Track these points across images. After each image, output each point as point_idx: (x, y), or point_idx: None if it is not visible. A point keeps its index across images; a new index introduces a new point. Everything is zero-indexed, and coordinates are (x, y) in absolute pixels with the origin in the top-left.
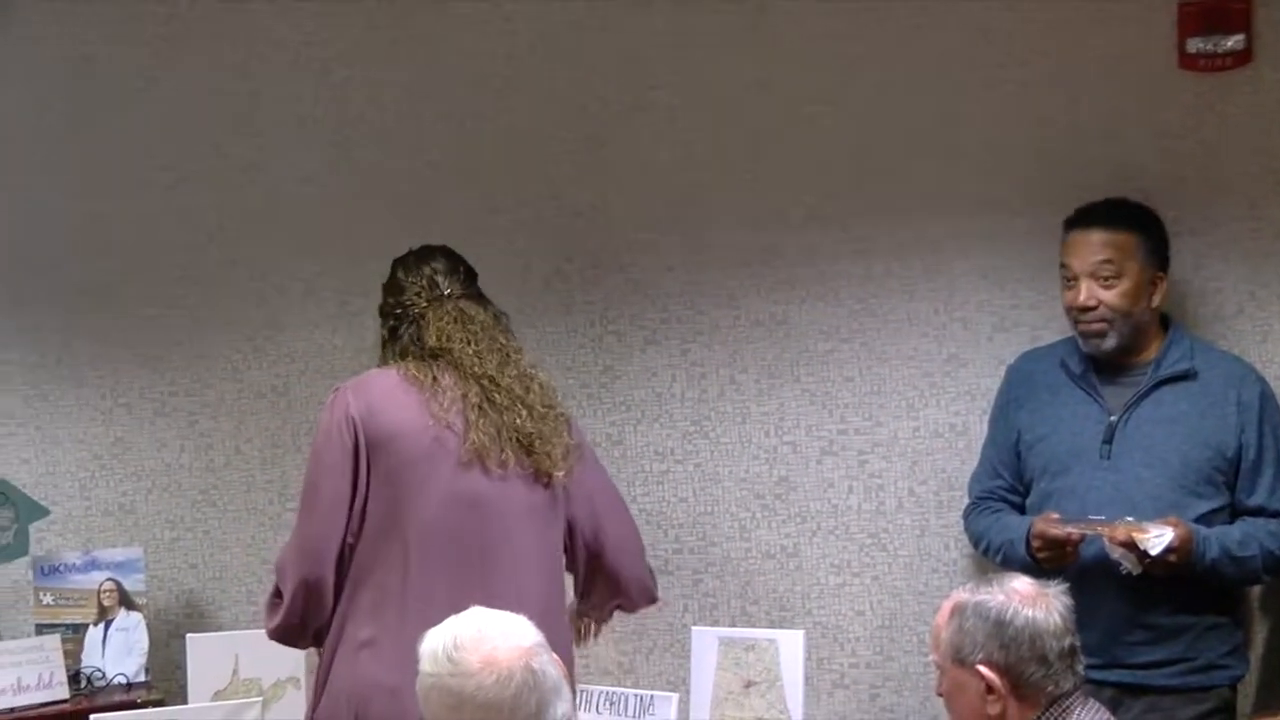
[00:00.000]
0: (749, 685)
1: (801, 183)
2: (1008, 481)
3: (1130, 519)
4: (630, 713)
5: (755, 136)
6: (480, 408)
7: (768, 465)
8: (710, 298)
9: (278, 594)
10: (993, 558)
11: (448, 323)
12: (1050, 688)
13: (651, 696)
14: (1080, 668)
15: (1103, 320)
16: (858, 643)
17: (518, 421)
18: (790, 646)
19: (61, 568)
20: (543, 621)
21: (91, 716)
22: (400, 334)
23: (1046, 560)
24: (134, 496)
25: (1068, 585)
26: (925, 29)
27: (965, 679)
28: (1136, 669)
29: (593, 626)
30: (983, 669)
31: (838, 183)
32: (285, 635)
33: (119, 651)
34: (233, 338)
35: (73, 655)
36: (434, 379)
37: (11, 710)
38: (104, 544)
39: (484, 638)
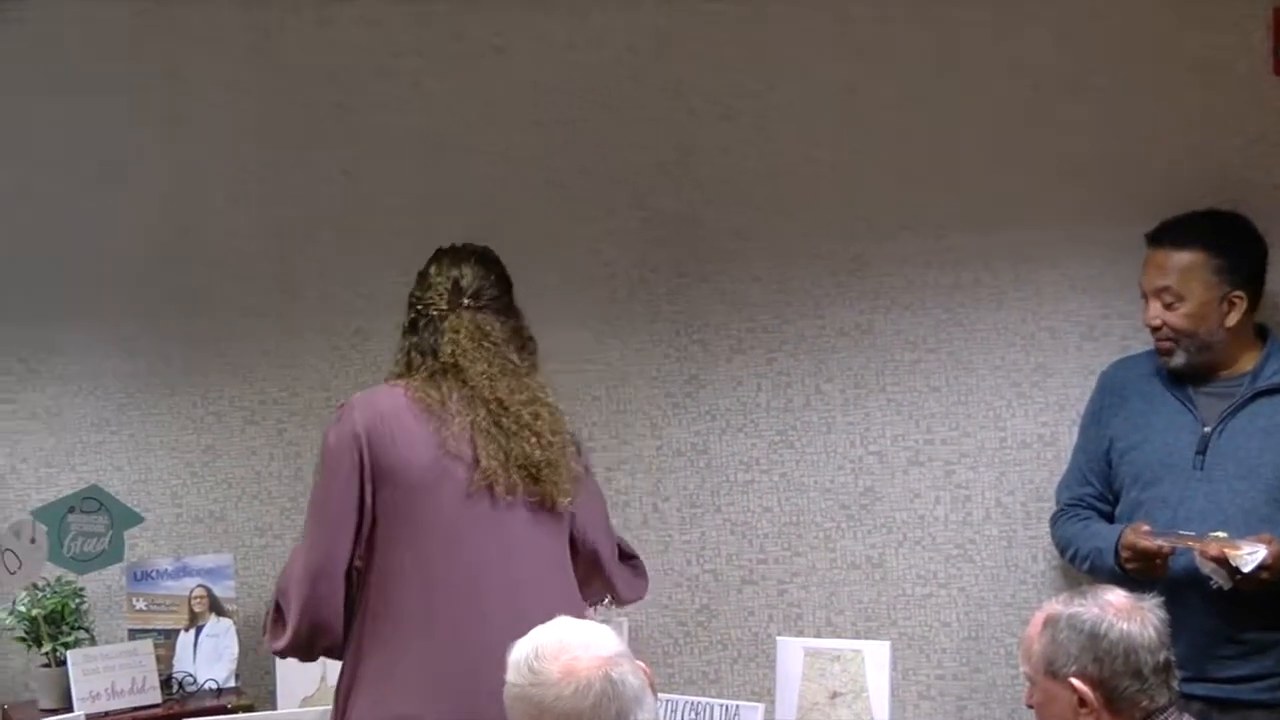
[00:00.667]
0: (835, 696)
1: (890, 192)
2: (1097, 489)
3: (1222, 534)
4: None
5: (843, 146)
6: (488, 433)
7: (853, 475)
8: (796, 307)
9: (279, 613)
10: (1079, 565)
11: (463, 336)
12: (1145, 702)
13: (737, 707)
14: (1175, 683)
15: (1168, 339)
16: (944, 654)
17: (525, 449)
18: (876, 657)
19: (154, 574)
20: None
21: None
22: (419, 329)
23: (1135, 571)
24: (224, 504)
25: (1163, 599)
26: (1014, 36)
27: (1057, 691)
28: (1225, 683)
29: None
30: (1075, 682)
31: (927, 192)
32: (290, 654)
33: (209, 657)
34: (321, 346)
35: (164, 660)
36: (442, 402)
37: (106, 714)
38: (195, 550)
39: (565, 647)
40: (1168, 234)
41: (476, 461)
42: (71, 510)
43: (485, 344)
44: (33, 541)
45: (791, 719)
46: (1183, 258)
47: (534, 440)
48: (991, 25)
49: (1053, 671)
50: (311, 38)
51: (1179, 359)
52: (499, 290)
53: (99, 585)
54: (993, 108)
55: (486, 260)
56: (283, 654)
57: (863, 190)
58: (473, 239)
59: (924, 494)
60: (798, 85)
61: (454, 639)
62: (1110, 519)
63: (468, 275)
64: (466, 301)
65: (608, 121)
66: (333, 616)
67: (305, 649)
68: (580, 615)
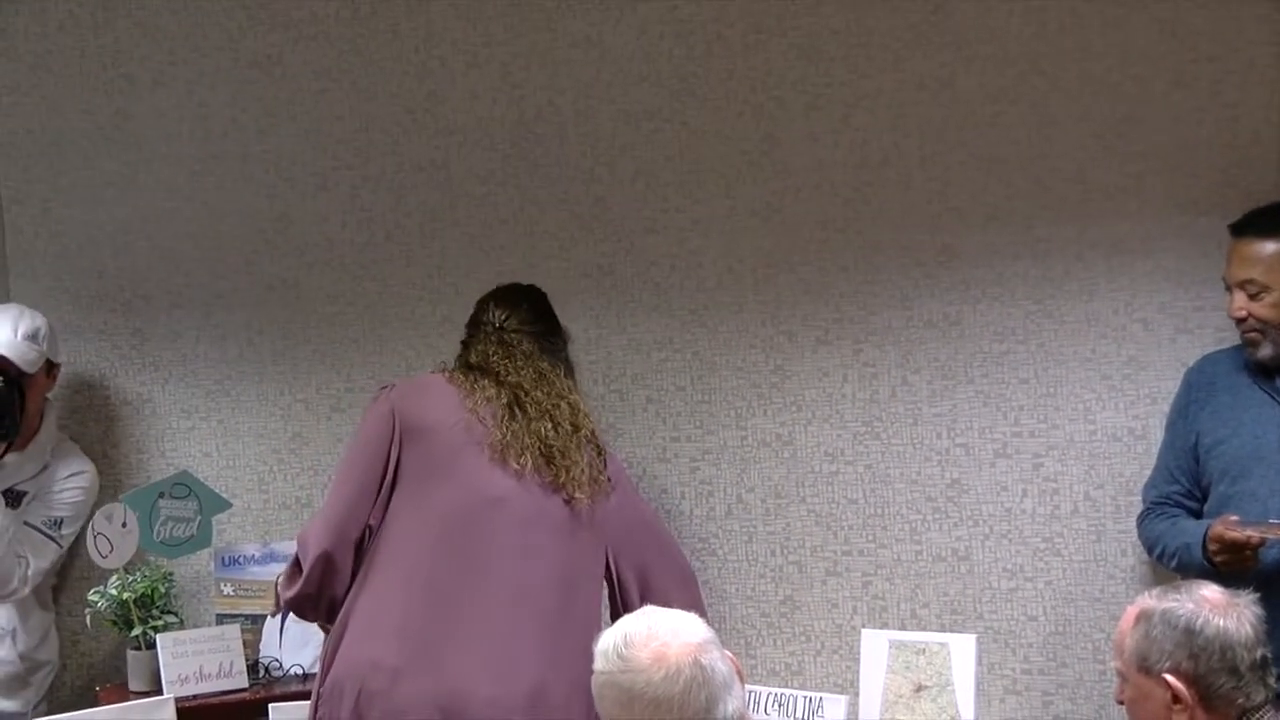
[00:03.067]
0: (919, 689)
1: (981, 182)
2: (1184, 486)
3: None
4: (799, 714)
5: (933, 135)
6: (510, 408)
7: (939, 467)
8: (883, 298)
9: (297, 565)
10: (1167, 563)
11: (487, 344)
12: (1240, 699)
13: (820, 698)
14: (1272, 680)
15: (1254, 330)
16: (1030, 648)
17: (542, 430)
18: (962, 650)
19: (241, 559)
20: (551, 628)
21: (270, 705)
22: (465, 349)
23: (1223, 564)
24: (310, 490)
25: (1259, 595)
26: (1110, 25)
27: (1150, 687)
28: None
29: None
30: (1170, 678)
31: (1019, 182)
32: (300, 605)
33: (295, 643)
34: (408, 335)
35: (251, 645)
36: (473, 382)
37: (194, 697)
38: (281, 537)
39: (654, 634)
40: (1251, 224)
41: (493, 434)
42: (162, 495)
43: (510, 349)
44: (124, 526)
45: (876, 712)
46: (1267, 247)
47: (550, 425)
48: (1095, 15)
49: (1146, 667)
50: (405, 28)
51: (1265, 350)
52: (529, 318)
53: (187, 570)
54: (1089, 98)
55: (534, 305)
56: (293, 602)
57: (952, 181)
58: (560, 228)
59: (1011, 486)
60: (890, 76)
61: (440, 603)
62: (1199, 516)
63: (509, 315)
64: (499, 325)
65: (696, 111)
66: (342, 571)
67: (314, 601)
68: (565, 620)
